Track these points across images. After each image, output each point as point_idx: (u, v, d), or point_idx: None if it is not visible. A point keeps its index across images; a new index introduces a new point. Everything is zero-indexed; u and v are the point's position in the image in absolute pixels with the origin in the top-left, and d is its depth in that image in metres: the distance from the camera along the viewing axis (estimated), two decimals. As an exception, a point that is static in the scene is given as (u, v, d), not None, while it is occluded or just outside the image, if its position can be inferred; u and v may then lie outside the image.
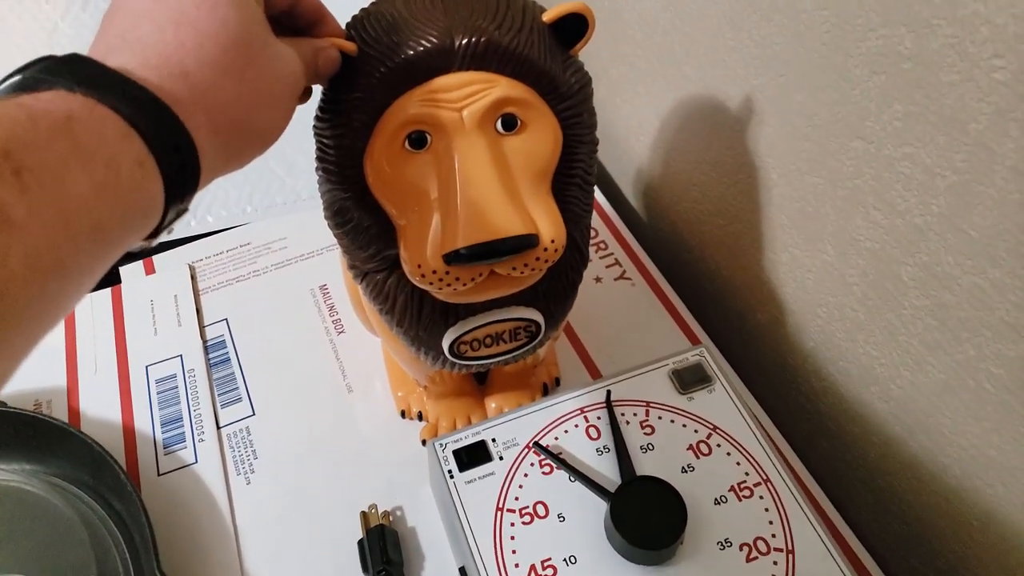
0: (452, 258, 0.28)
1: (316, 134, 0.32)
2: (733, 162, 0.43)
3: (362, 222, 0.31)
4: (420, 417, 0.43)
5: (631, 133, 0.54)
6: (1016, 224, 0.28)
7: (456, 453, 0.37)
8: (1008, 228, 0.28)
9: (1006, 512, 0.33)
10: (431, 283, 0.30)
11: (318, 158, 0.32)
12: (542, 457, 0.37)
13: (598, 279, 0.51)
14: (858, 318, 0.38)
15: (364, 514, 0.40)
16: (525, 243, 0.29)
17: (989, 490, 0.34)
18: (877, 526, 0.42)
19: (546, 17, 0.30)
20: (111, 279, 0.50)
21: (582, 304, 0.49)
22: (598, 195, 0.55)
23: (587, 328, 0.48)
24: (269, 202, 0.54)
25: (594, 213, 0.54)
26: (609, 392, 0.39)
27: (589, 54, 0.48)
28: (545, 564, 0.34)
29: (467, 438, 0.38)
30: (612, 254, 0.52)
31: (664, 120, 0.50)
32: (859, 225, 0.36)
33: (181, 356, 0.46)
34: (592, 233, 0.53)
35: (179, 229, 0.52)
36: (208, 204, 0.54)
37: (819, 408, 0.44)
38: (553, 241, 0.30)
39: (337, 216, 0.32)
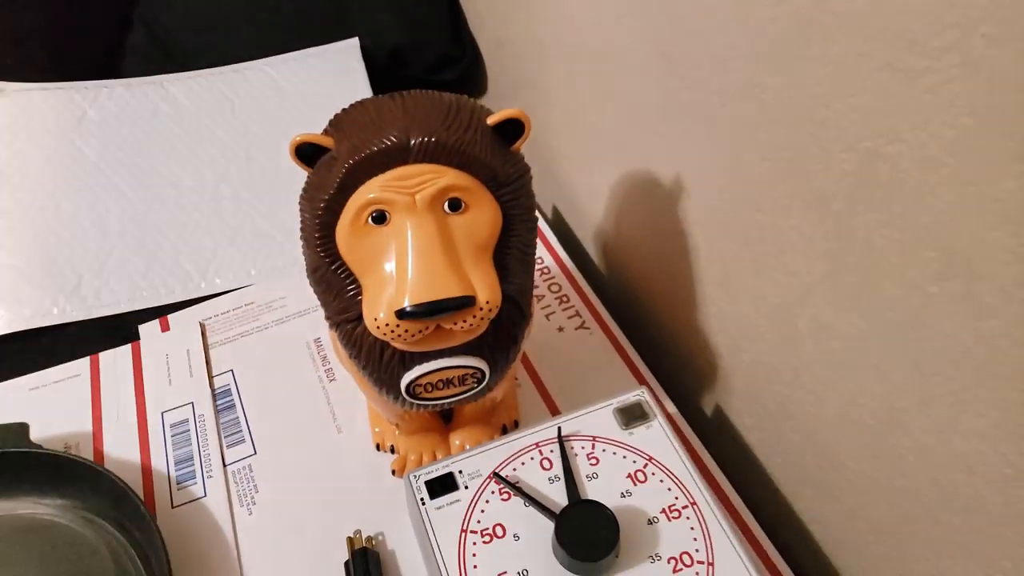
0: (402, 314, 0.34)
1: (300, 209, 0.37)
2: (669, 228, 0.49)
3: (334, 282, 0.37)
4: (392, 450, 0.48)
5: (590, 200, 0.60)
6: (874, 283, 0.33)
7: (428, 483, 0.42)
8: (870, 286, 0.34)
9: (891, 528, 0.38)
10: (385, 334, 0.35)
11: (301, 228, 0.38)
12: (501, 486, 0.41)
13: (560, 329, 0.56)
14: (772, 362, 0.43)
15: (350, 539, 0.44)
16: (463, 303, 0.34)
17: (873, 509, 0.39)
18: (803, 547, 0.46)
19: (490, 120, 0.36)
20: (131, 335, 0.56)
21: (545, 351, 0.54)
22: (563, 254, 0.61)
23: (549, 372, 0.53)
24: (271, 265, 0.60)
25: (559, 269, 0.60)
26: (560, 428, 0.44)
27: (552, 134, 0.53)
28: (501, 578, 0.38)
29: (438, 470, 0.42)
30: (573, 306, 0.57)
31: (613, 190, 0.55)
32: (765, 283, 0.41)
33: (192, 403, 0.52)
34: (556, 287, 0.59)
35: (191, 291, 0.57)
36: (216, 268, 0.59)
37: (750, 441, 0.49)
38: (488, 302, 0.35)
39: (315, 275, 0.38)
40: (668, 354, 0.55)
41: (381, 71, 0.72)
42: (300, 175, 0.64)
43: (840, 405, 0.39)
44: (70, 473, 0.45)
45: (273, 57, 0.72)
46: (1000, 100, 0.25)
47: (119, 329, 0.56)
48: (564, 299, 0.58)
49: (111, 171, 0.63)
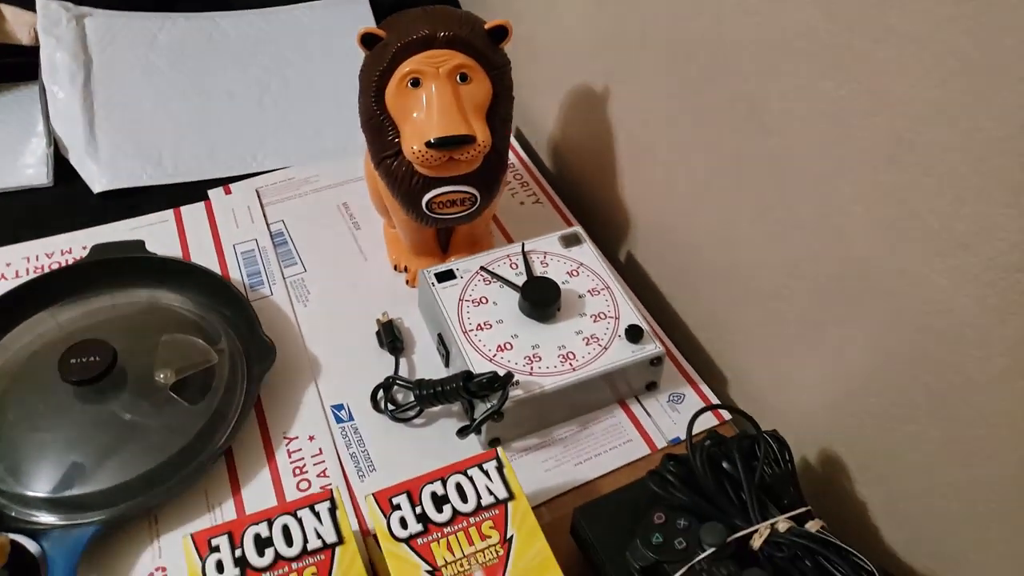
0: (429, 144, 0.53)
1: (359, 78, 0.56)
2: (597, 130, 0.70)
3: (381, 128, 0.56)
4: (406, 269, 0.68)
5: (543, 117, 0.80)
6: (713, 133, 0.54)
7: (436, 274, 0.61)
8: (711, 137, 0.55)
9: (722, 300, 0.59)
10: (416, 159, 0.54)
11: (361, 89, 0.57)
12: (484, 275, 0.62)
13: (522, 203, 0.76)
14: (661, 207, 0.65)
15: (378, 319, 0.64)
16: (467, 139, 0.54)
17: (711, 287, 0.60)
18: (676, 328, 0.68)
19: (487, 25, 0.56)
20: (201, 198, 0.73)
21: (511, 216, 0.74)
22: (524, 155, 0.81)
23: (513, 228, 0.73)
24: (305, 153, 0.78)
25: (521, 166, 0.80)
26: (523, 245, 0.64)
27: (516, 68, 0.71)
28: (485, 324, 0.58)
29: (442, 267, 0.62)
30: (531, 188, 0.78)
31: (560, 108, 0.76)
32: (658, 154, 0.62)
33: (256, 239, 0.70)
34: (519, 176, 0.79)
35: (245, 168, 0.75)
36: (264, 154, 0.78)
37: (648, 270, 0.70)
38: (483, 141, 0.55)
39: (369, 123, 0.57)
40: (596, 220, 0.76)
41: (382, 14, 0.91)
42: (324, 90, 0.83)
43: (700, 224, 0.60)
44: (178, 271, 0.63)
45: (298, 3, 0.90)
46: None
47: (191, 193, 0.74)
48: (525, 184, 0.78)
49: (179, 79, 0.81)
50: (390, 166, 0.58)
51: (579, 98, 0.73)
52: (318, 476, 0.54)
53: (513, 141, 0.83)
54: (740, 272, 0.57)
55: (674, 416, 0.59)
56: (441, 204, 0.59)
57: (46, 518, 0.50)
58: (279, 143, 0.79)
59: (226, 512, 0.52)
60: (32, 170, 0.73)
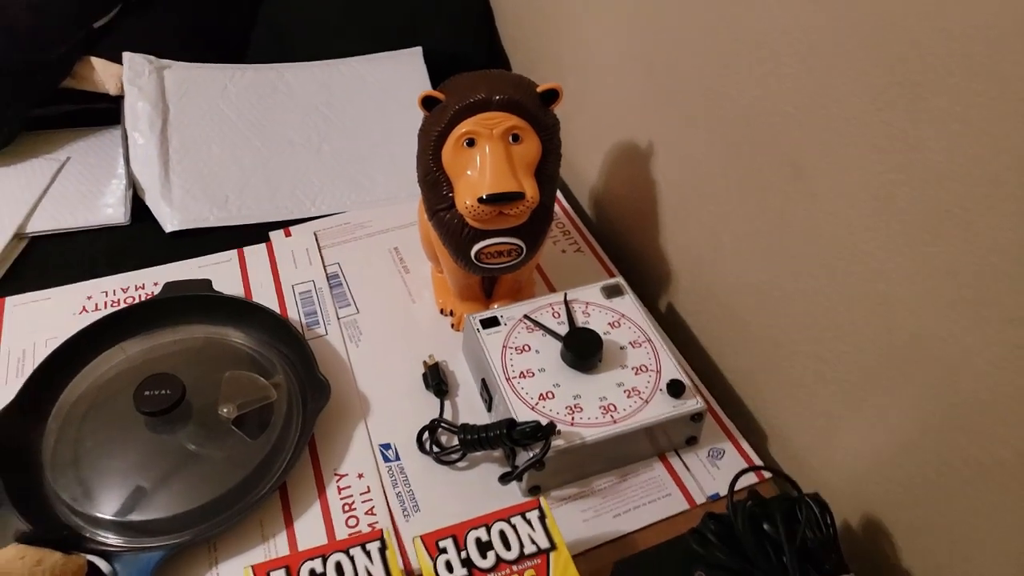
0: (481, 200, 0.56)
1: (419, 137, 0.59)
2: (640, 184, 0.72)
3: (437, 184, 0.59)
4: (452, 313, 0.70)
5: (587, 168, 0.83)
6: (760, 196, 0.56)
7: (482, 320, 0.64)
8: (757, 200, 0.56)
9: (760, 358, 0.60)
10: (468, 214, 0.57)
11: (420, 147, 0.59)
12: (527, 323, 0.63)
13: (563, 251, 0.78)
14: (704, 261, 0.66)
15: (424, 361, 0.66)
16: (517, 196, 0.56)
17: (750, 345, 0.61)
18: (715, 377, 0.68)
19: (539, 88, 0.59)
20: (262, 239, 0.77)
21: (553, 264, 0.76)
22: (566, 204, 0.83)
23: (555, 276, 0.75)
24: (359, 200, 0.82)
25: (563, 214, 0.82)
26: (566, 294, 0.66)
27: (563, 121, 0.74)
28: (528, 372, 0.60)
29: (487, 314, 0.64)
30: (572, 237, 0.80)
31: (603, 160, 0.78)
32: (702, 214, 0.64)
33: (313, 280, 0.73)
34: (561, 225, 0.81)
35: (303, 212, 0.79)
36: (321, 199, 0.81)
37: (688, 321, 0.71)
38: (531, 198, 0.57)
39: (426, 179, 0.60)
40: (637, 270, 0.78)
41: (435, 71, 0.95)
42: (379, 139, 0.87)
43: (742, 281, 0.61)
44: (241, 310, 0.67)
45: (359, 56, 0.94)
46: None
47: (253, 235, 0.78)
48: (567, 233, 0.80)
49: (245, 128, 0.85)
50: (443, 218, 0.61)
51: (623, 152, 0.75)
52: (366, 514, 0.56)
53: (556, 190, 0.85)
54: (782, 331, 0.58)
55: (713, 472, 0.60)
56: (489, 255, 0.61)
57: (115, 540, 0.53)
58: (336, 189, 0.82)
59: (279, 543, 0.55)
60: (111, 209, 0.78)
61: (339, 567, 0.45)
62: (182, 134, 0.82)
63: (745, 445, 0.62)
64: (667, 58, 0.63)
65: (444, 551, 0.46)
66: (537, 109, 0.58)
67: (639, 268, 0.77)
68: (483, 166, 0.57)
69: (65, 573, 0.46)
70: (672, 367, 0.60)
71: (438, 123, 0.57)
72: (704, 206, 0.63)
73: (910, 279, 0.45)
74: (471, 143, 0.57)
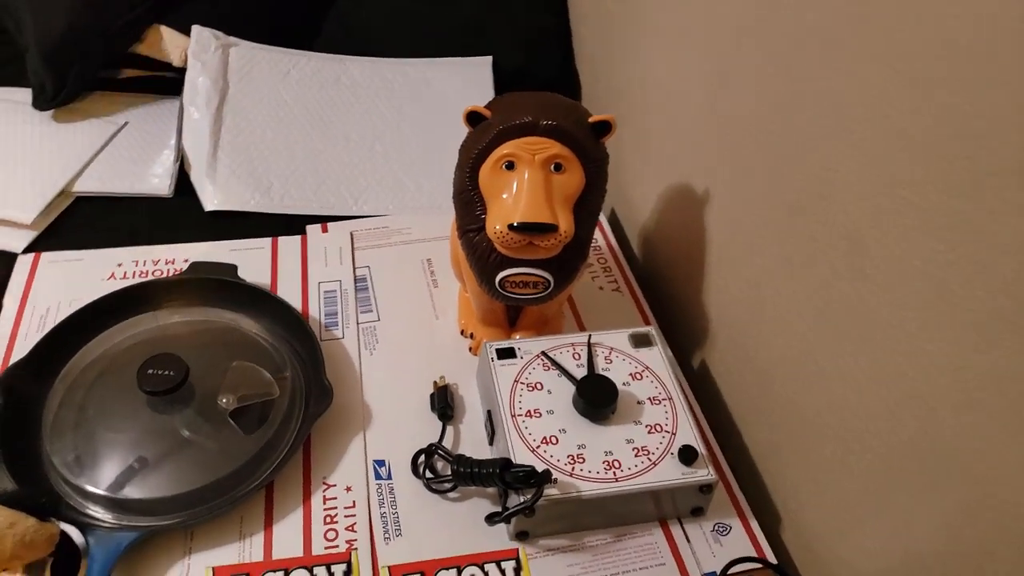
0: (511, 227, 0.53)
1: (460, 152, 0.57)
2: (690, 229, 0.68)
3: (471, 203, 0.57)
4: (472, 336, 0.68)
5: (641, 203, 0.80)
6: (807, 264, 0.52)
7: (498, 350, 0.61)
8: (805, 266, 0.52)
9: (786, 435, 0.56)
10: (497, 239, 0.54)
11: (459, 162, 0.58)
12: (544, 360, 0.61)
13: (601, 288, 0.75)
14: (743, 324, 0.62)
15: (435, 382, 0.64)
16: (549, 228, 0.53)
17: (776, 417, 0.57)
18: (740, 451, 0.64)
19: (591, 119, 0.56)
20: (299, 231, 0.77)
21: (587, 301, 0.73)
22: (612, 240, 0.80)
23: (587, 315, 0.72)
24: (403, 204, 0.81)
25: (608, 250, 0.79)
26: (590, 336, 0.63)
27: (621, 149, 0.71)
28: (536, 411, 0.57)
29: (505, 344, 0.62)
30: (613, 276, 0.77)
31: (658, 197, 0.75)
32: (744, 269, 0.60)
33: (340, 281, 0.72)
34: (603, 261, 0.78)
35: (345, 210, 0.78)
36: (365, 198, 0.80)
37: (720, 384, 0.67)
38: (565, 232, 0.54)
39: (460, 196, 0.58)
40: (675, 320, 0.74)
41: (502, 83, 0.94)
42: (430, 150, 0.85)
43: (779, 351, 0.57)
44: (261, 300, 0.66)
45: (426, 59, 0.94)
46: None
47: (291, 225, 0.77)
48: (607, 270, 0.77)
49: (302, 116, 0.85)
50: (472, 239, 0.58)
51: (678, 195, 0.71)
52: (346, 529, 0.54)
53: (604, 223, 0.82)
54: (812, 410, 0.54)
55: (715, 548, 0.56)
56: (514, 284, 0.59)
57: (97, 513, 0.52)
58: (381, 191, 0.81)
59: (255, 544, 0.53)
60: (157, 180, 0.79)
61: (299, 587, 0.43)
62: (237, 114, 0.83)
63: (755, 525, 0.58)
64: (733, 105, 0.60)
65: (410, 590, 0.44)
66: (586, 139, 0.55)
67: (678, 318, 0.74)
68: (519, 192, 0.54)
69: (36, 540, 0.45)
70: (689, 431, 0.57)
71: (479, 141, 0.56)
72: (752, 261, 0.60)
73: (955, 384, 0.40)
74: (510, 166, 0.55)
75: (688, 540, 0.56)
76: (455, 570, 0.45)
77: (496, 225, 0.54)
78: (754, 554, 0.56)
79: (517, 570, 0.45)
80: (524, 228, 0.54)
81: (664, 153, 0.73)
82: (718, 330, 0.67)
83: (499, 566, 0.45)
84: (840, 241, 0.49)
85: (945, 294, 0.41)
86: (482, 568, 0.45)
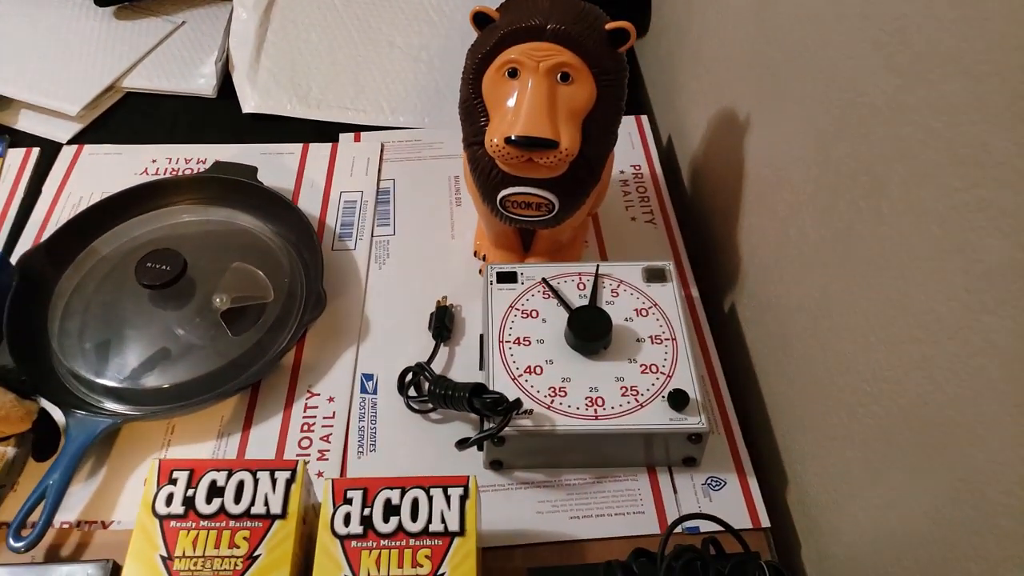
0: (508, 140, 0.50)
1: (466, 57, 0.54)
2: (738, 163, 0.62)
3: (473, 113, 0.53)
4: (484, 259, 0.65)
5: (694, 130, 0.73)
6: (833, 200, 0.45)
7: (499, 273, 0.58)
8: (831, 201, 0.46)
9: (803, 383, 0.51)
10: (495, 153, 0.51)
11: (463, 71, 0.54)
12: (544, 288, 0.58)
13: (634, 219, 0.70)
14: (769, 263, 0.56)
15: (438, 301, 0.62)
16: (549, 144, 0.49)
17: (790, 366, 0.51)
18: (754, 403, 0.59)
19: (607, 26, 0.51)
20: (332, 138, 0.76)
21: (616, 230, 0.69)
22: (658, 168, 0.74)
23: (613, 244, 0.68)
24: (440, 119, 0.78)
25: (651, 179, 0.74)
26: (598, 267, 0.59)
27: (681, 71, 0.64)
28: (525, 339, 0.54)
29: (507, 268, 0.59)
30: (650, 206, 0.71)
31: (709, 124, 0.68)
32: (775, 201, 0.54)
33: (362, 192, 0.71)
34: (642, 189, 0.73)
35: (381, 120, 0.76)
36: (402, 109, 0.78)
37: (745, 330, 0.61)
38: (567, 149, 0.50)
39: (463, 105, 0.54)
40: (713, 260, 0.68)
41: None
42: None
43: (802, 293, 0.51)
44: (275, 204, 0.66)
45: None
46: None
47: (325, 132, 0.77)
48: (645, 199, 0.72)
49: (349, 20, 0.83)
50: (474, 152, 0.55)
51: (724, 122, 0.65)
52: (320, 439, 0.55)
53: (654, 150, 0.76)
54: (824, 369, 0.48)
55: (704, 503, 0.52)
56: (515, 204, 0.56)
57: (80, 395, 0.55)
58: (419, 102, 0.79)
59: (231, 444, 0.54)
60: (203, 80, 0.80)
61: (240, 486, 0.44)
62: (284, 16, 0.82)
63: (752, 483, 0.53)
64: (776, 15, 0.52)
65: (349, 501, 0.44)
66: (599, 47, 0.50)
67: (714, 258, 0.68)
68: (519, 103, 0.50)
69: (11, 415, 0.48)
70: (688, 376, 0.52)
71: (483, 46, 0.52)
72: (781, 197, 0.53)
73: (960, 346, 0.34)
74: (513, 74, 0.51)
75: (675, 491, 0.53)
76: (399, 492, 0.44)
77: (493, 138, 0.51)
78: (745, 512, 0.52)
79: (463, 498, 0.43)
80: (522, 143, 0.50)
81: (715, 77, 0.66)
82: (748, 272, 0.61)
83: (445, 492, 0.44)
84: (862, 177, 0.42)
85: (958, 239, 0.34)
86: (427, 492, 0.44)
